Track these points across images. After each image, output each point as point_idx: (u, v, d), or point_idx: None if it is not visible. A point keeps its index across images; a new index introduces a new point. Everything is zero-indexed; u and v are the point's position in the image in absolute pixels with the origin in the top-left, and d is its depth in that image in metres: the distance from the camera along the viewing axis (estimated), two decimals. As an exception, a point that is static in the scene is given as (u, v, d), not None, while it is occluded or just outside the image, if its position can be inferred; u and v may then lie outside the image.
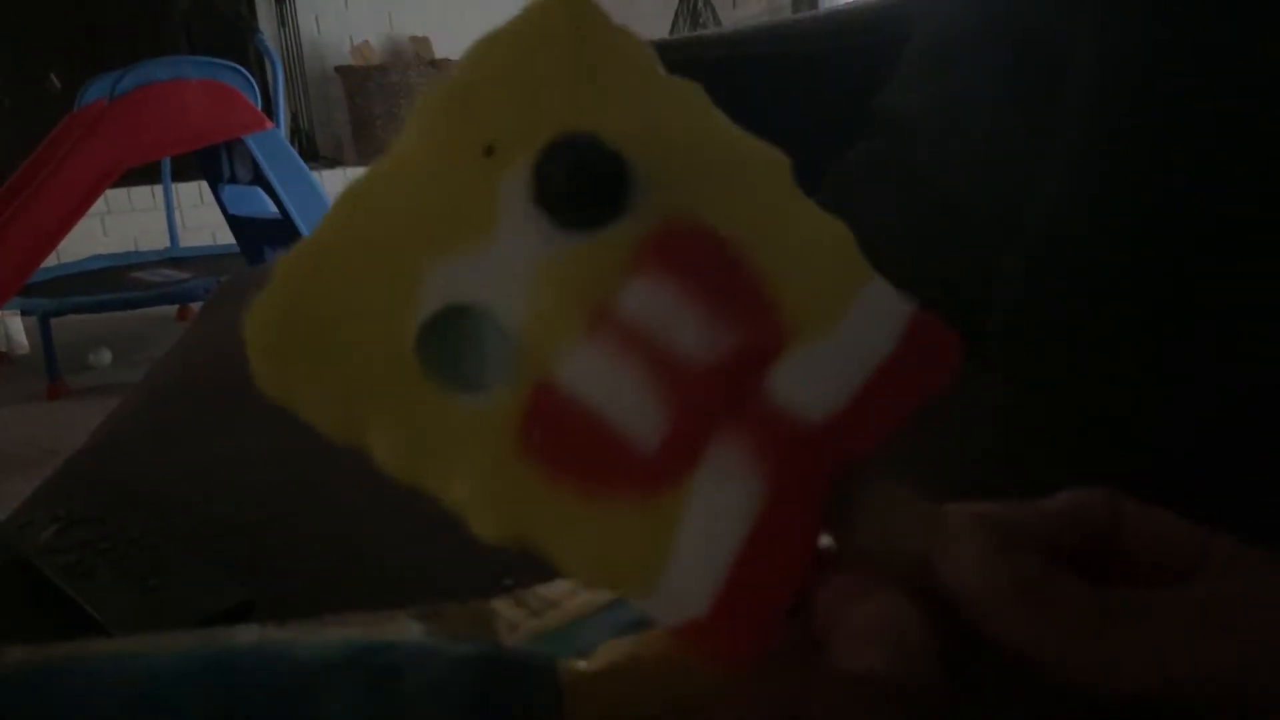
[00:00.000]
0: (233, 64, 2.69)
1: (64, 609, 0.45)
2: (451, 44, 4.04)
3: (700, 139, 0.28)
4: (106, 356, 2.89)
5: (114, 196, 3.65)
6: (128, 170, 2.54)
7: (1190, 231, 0.45)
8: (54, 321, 2.66)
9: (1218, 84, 0.45)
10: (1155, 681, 0.22)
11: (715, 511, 0.26)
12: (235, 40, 3.61)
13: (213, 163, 2.86)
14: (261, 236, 2.85)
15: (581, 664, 0.28)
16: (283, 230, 2.69)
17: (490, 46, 0.28)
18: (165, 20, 3.81)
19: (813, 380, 0.27)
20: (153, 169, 3.26)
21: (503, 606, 0.31)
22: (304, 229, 2.61)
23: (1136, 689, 0.22)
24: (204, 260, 3.23)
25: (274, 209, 2.69)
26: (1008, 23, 0.58)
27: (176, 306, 3.24)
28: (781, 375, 0.26)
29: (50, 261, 2.82)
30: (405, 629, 0.29)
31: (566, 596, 0.31)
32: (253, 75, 2.74)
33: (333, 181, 3.76)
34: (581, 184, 0.26)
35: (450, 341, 0.26)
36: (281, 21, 4.00)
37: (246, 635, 0.27)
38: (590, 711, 0.27)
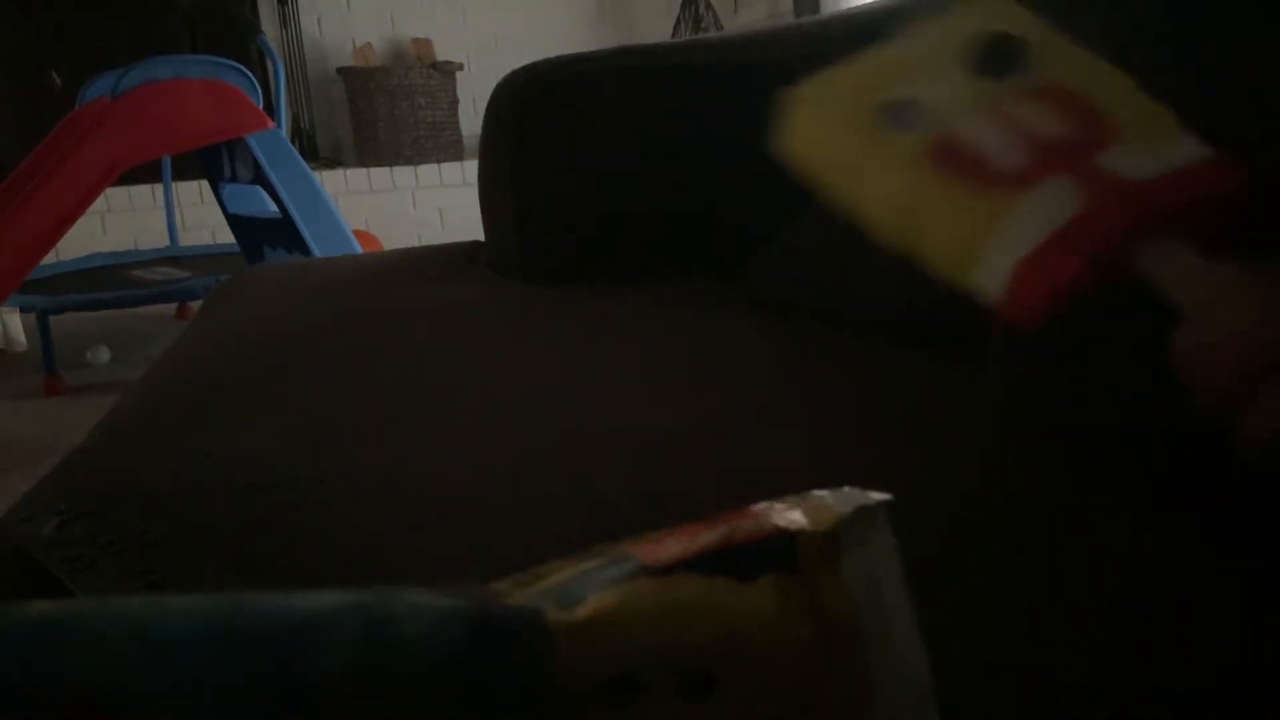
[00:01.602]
0: (235, 64, 2.69)
1: (65, 602, 0.45)
2: (453, 46, 4.04)
3: (1060, 41, 0.46)
4: (105, 354, 2.89)
5: (114, 195, 3.65)
6: (128, 168, 2.54)
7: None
8: (53, 319, 2.66)
9: (1219, 90, 0.46)
10: None
11: (1044, 205, 0.39)
12: (238, 40, 3.61)
13: (214, 162, 2.86)
14: (261, 236, 2.85)
15: (569, 613, 0.28)
16: (283, 230, 2.69)
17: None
18: (168, 19, 3.81)
19: (1132, 161, 0.40)
20: (153, 167, 3.26)
21: (496, 585, 0.32)
22: (304, 229, 2.61)
23: None
24: (203, 259, 3.23)
25: (274, 208, 2.69)
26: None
27: (175, 305, 3.23)
28: (1109, 156, 0.40)
29: (50, 259, 2.82)
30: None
31: (556, 570, 0.31)
32: (255, 75, 2.74)
33: (333, 181, 3.76)
34: (997, 58, 0.45)
35: (899, 112, 0.43)
36: (284, 22, 4.00)
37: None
38: (577, 656, 0.28)
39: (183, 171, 3.46)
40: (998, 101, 0.43)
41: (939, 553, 0.48)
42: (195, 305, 2.98)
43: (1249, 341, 0.34)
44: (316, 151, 4.05)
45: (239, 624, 0.26)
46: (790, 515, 0.31)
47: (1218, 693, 0.38)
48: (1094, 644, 0.40)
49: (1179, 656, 0.40)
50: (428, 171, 3.93)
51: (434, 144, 3.92)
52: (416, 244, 2.14)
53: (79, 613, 0.26)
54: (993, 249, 0.38)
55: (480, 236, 1.22)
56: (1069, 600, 0.43)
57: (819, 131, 0.45)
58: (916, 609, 0.31)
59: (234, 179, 2.83)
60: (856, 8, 1.10)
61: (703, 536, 0.31)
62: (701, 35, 3.75)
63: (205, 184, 3.18)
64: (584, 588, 0.30)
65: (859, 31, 0.98)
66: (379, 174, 3.90)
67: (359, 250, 2.69)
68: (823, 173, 0.44)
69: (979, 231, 0.39)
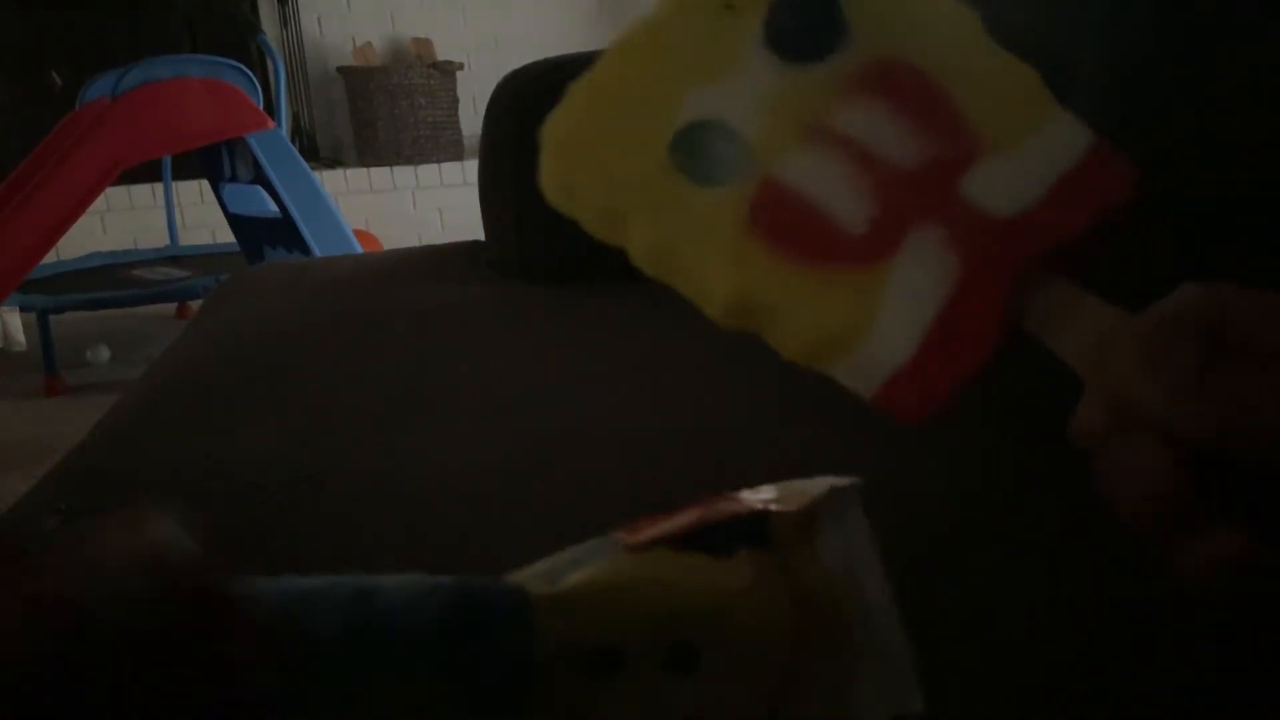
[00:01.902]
0: (236, 63, 2.69)
1: (65, 602, 0.45)
2: (453, 46, 4.04)
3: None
4: (105, 354, 2.89)
5: (114, 194, 3.64)
6: (129, 168, 2.54)
7: (1193, 236, 0.45)
8: (52, 318, 2.66)
9: (1219, 93, 0.45)
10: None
11: (914, 284, 0.30)
12: (238, 40, 3.61)
13: (214, 161, 2.86)
14: (261, 235, 2.85)
15: (551, 586, 0.30)
16: (283, 229, 2.69)
17: None
18: (168, 19, 3.81)
19: (1002, 184, 0.31)
20: (153, 167, 3.26)
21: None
22: (304, 228, 2.61)
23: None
24: (203, 258, 3.23)
25: (274, 208, 2.69)
26: (1010, 33, 0.58)
27: (175, 304, 3.23)
28: (974, 179, 0.31)
29: (50, 258, 2.82)
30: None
31: (545, 561, 0.32)
32: (255, 75, 2.74)
33: (333, 181, 3.76)
34: (807, 26, 0.33)
35: (696, 149, 0.32)
36: (284, 22, 4.00)
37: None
38: (560, 628, 0.29)
39: (183, 171, 3.46)
40: (822, 106, 0.32)
41: (938, 552, 0.48)
42: (195, 305, 2.98)
43: (1156, 435, 0.26)
44: (316, 151, 4.05)
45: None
46: (764, 496, 0.33)
47: (1218, 693, 0.38)
48: (1094, 644, 0.40)
49: (1179, 656, 0.40)
50: (428, 171, 3.93)
51: (434, 144, 3.92)
52: (416, 244, 2.14)
53: None
54: (862, 348, 0.30)
55: (480, 236, 1.22)
56: (1068, 600, 0.43)
57: (592, 187, 0.33)
58: (904, 606, 0.32)
59: (234, 178, 2.83)
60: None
61: (680, 517, 0.32)
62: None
63: (205, 183, 3.18)
64: (567, 567, 0.31)
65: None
66: (379, 174, 3.90)
67: (359, 250, 2.69)
68: (613, 237, 0.33)
69: (838, 325, 0.30)
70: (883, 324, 0.30)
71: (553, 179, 0.33)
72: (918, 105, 0.32)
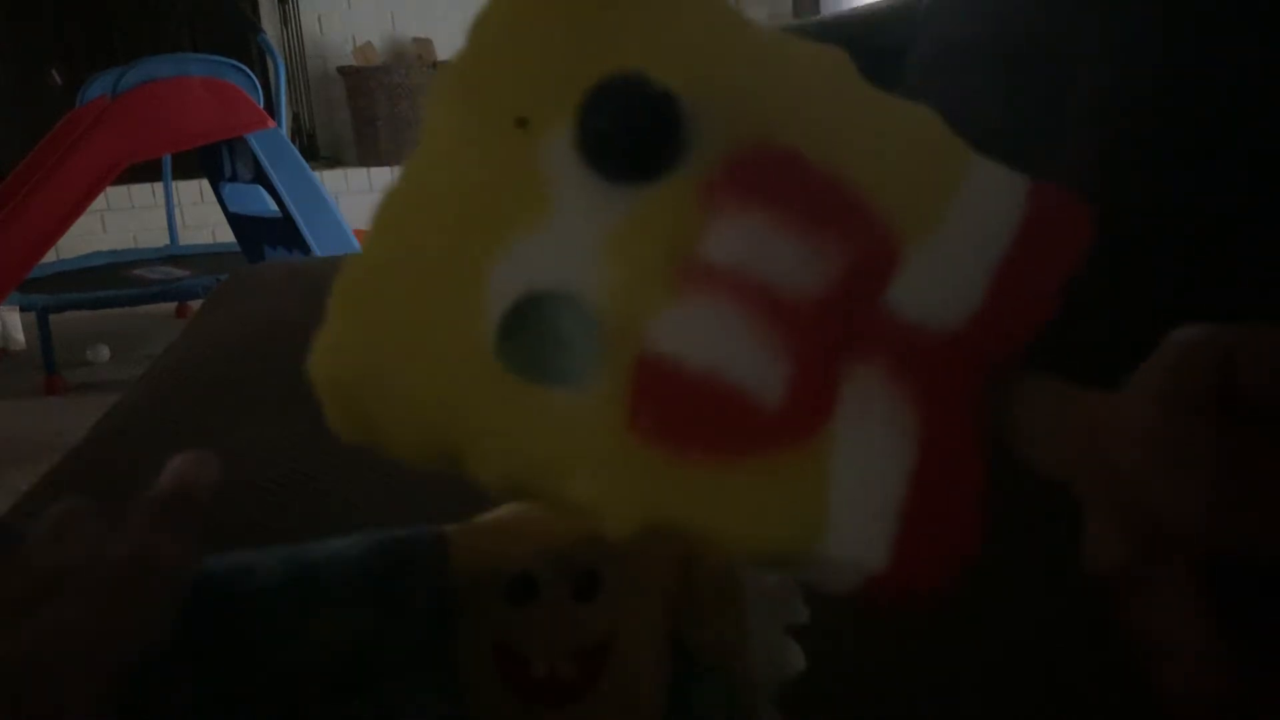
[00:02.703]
0: (236, 62, 2.69)
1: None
2: (454, 46, 4.02)
3: (746, 55, 0.25)
4: (104, 353, 2.89)
5: (114, 193, 3.65)
6: (129, 167, 2.54)
7: (1195, 240, 0.45)
8: (52, 317, 2.66)
9: (1223, 93, 0.45)
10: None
11: (867, 453, 0.23)
12: (238, 39, 3.61)
13: (214, 160, 2.86)
14: (262, 235, 2.85)
15: (464, 529, 0.32)
16: (283, 229, 2.69)
17: (497, 9, 0.26)
18: (168, 18, 3.81)
19: (937, 284, 0.24)
20: (153, 166, 3.26)
21: None
22: (304, 228, 2.61)
23: None
24: (203, 258, 3.23)
25: (274, 207, 2.69)
26: (1012, 33, 0.58)
27: (175, 304, 3.24)
28: (902, 287, 0.24)
29: (49, 257, 2.82)
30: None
31: None
32: (255, 74, 2.74)
33: (334, 181, 3.76)
34: (633, 129, 0.23)
35: (531, 336, 0.23)
36: (284, 21, 4.00)
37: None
38: (476, 560, 0.31)
39: (183, 170, 3.46)
40: (681, 233, 0.23)
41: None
42: (195, 304, 2.98)
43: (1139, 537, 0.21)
44: (317, 150, 4.05)
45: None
46: None
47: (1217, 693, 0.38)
48: (1092, 644, 0.41)
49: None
50: (428, 171, 3.93)
51: (434, 143, 3.92)
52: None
53: None
54: (823, 553, 0.22)
55: (480, 236, 1.22)
56: (1067, 601, 0.44)
57: (400, 425, 0.24)
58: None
59: (234, 178, 2.83)
60: (856, 9, 1.10)
61: None
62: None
63: (205, 183, 3.18)
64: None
65: (860, 35, 0.98)
66: (379, 173, 3.90)
67: (359, 249, 2.68)
68: (455, 470, 0.24)
69: (784, 535, 0.22)
70: (840, 521, 0.22)
71: (344, 426, 0.25)
72: (804, 202, 0.24)
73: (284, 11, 4.00)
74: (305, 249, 2.63)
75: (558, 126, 0.24)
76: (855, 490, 0.23)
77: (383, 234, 0.25)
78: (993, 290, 0.24)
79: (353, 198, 3.80)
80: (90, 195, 2.51)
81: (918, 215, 0.24)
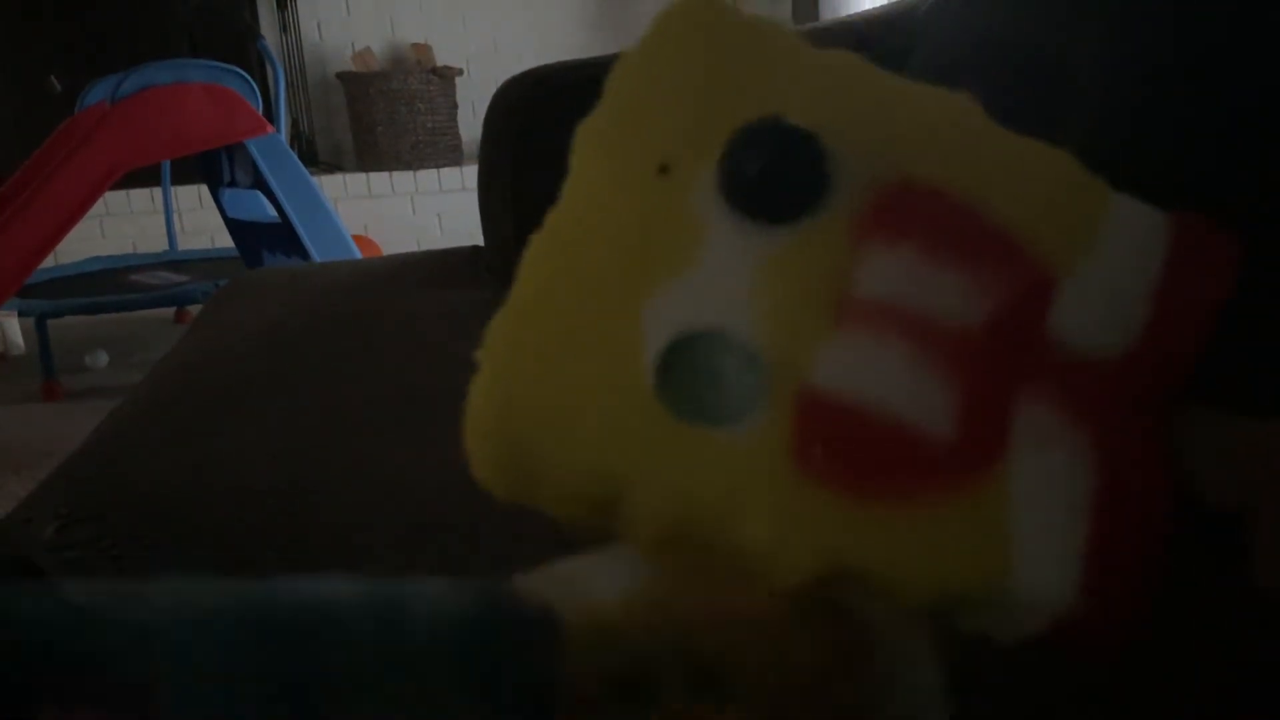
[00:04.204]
0: (235, 68, 2.69)
1: (64, 607, 0.45)
2: (453, 51, 4.05)
3: (877, 98, 0.25)
4: (103, 358, 2.89)
5: (113, 199, 3.65)
6: (128, 172, 2.54)
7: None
8: (51, 323, 2.66)
9: (1222, 100, 0.45)
10: None
11: (1047, 486, 0.22)
12: (237, 45, 3.62)
13: (213, 166, 2.86)
14: (260, 240, 2.85)
15: (580, 612, 0.27)
16: (282, 234, 2.69)
17: (631, 64, 0.26)
18: (168, 24, 3.81)
19: (1096, 312, 0.23)
20: (152, 171, 3.26)
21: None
22: (303, 234, 2.61)
23: None
24: (202, 263, 3.22)
25: (273, 213, 2.69)
26: (1011, 41, 0.58)
27: (174, 309, 3.23)
28: (1063, 315, 0.23)
29: (48, 263, 2.82)
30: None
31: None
32: (254, 80, 2.74)
33: (333, 186, 3.76)
34: (779, 170, 0.24)
35: (689, 376, 0.23)
36: (284, 27, 4.00)
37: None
38: (591, 653, 0.27)
39: (182, 176, 3.46)
40: (833, 270, 0.23)
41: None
42: (194, 310, 2.97)
43: None
44: (316, 156, 4.05)
45: (267, 612, 0.27)
46: None
47: (1216, 694, 0.38)
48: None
49: (1178, 657, 0.40)
50: (427, 176, 3.93)
51: (433, 149, 3.92)
52: (415, 249, 2.14)
53: (122, 596, 0.26)
54: (1004, 596, 0.21)
55: (480, 242, 1.22)
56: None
57: (557, 473, 0.24)
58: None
59: (233, 183, 2.83)
60: (856, 14, 1.10)
61: None
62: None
63: (204, 188, 3.18)
64: (587, 576, 0.28)
65: (859, 37, 0.98)
66: (378, 179, 3.90)
67: (358, 255, 2.69)
68: (604, 523, 0.24)
69: (961, 577, 0.21)
70: (1024, 561, 0.21)
71: (499, 472, 0.25)
72: (954, 235, 0.23)
73: (283, 18, 4.00)
74: (304, 255, 2.63)
75: (700, 172, 0.24)
76: (1038, 525, 0.22)
77: (532, 283, 0.25)
78: (1151, 318, 0.23)
79: (352, 203, 3.80)
80: (89, 201, 2.51)
81: (1066, 247, 0.24)
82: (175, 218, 3.49)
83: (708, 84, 0.25)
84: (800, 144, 0.24)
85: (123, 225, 3.79)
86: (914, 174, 0.24)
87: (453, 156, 3.95)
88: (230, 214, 2.92)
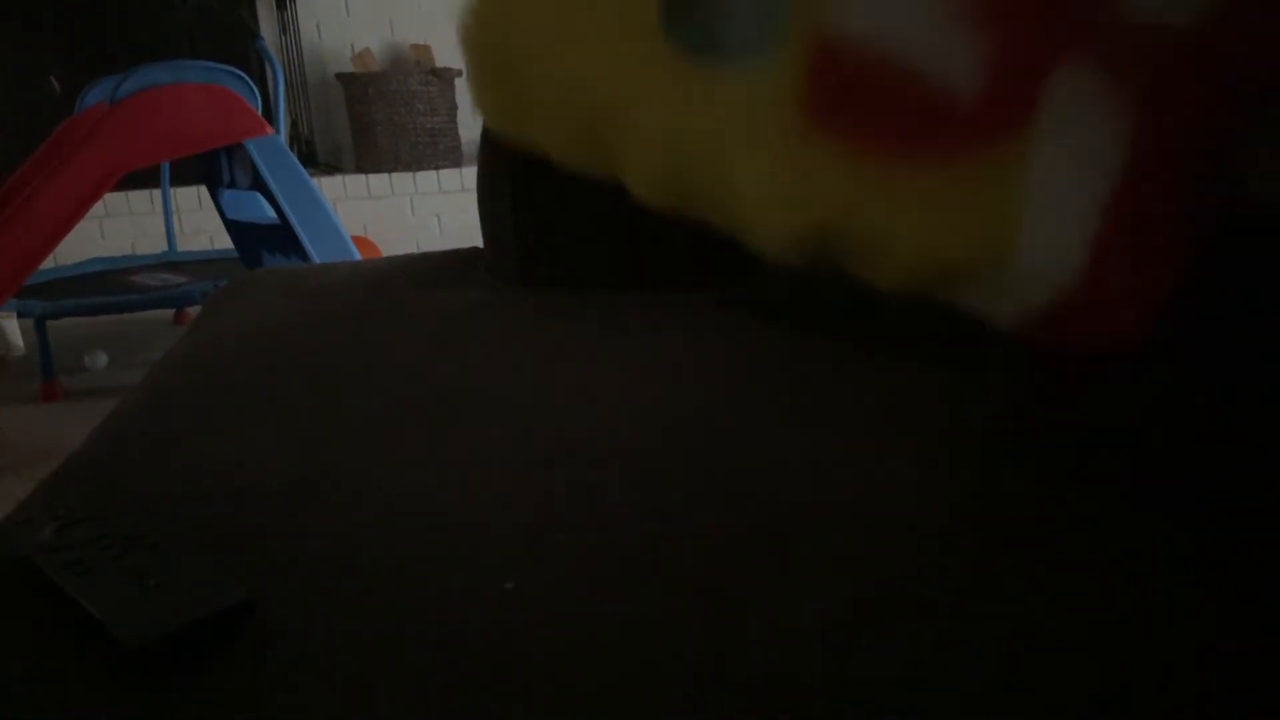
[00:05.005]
0: (235, 69, 2.69)
1: (63, 607, 0.45)
2: (452, 52, 4.04)
3: None
4: (102, 359, 2.89)
5: (112, 200, 3.65)
6: (127, 174, 2.54)
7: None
8: (50, 324, 2.66)
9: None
10: None
11: (1071, 158, 0.17)
12: (237, 46, 3.62)
13: (212, 167, 2.86)
14: (259, 241, 2.85)
15: None
16: (281, 235, 2.69)
17: None
18: (167, 25, 3.81)
19: None
20: (152, 173, 3.26)
21: None
22: (303, 235, 2.61)
23: None
24: (201, 264, 3.23)
25: (272, 214, 2.69)
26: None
27: (173, 310, 3.23)
28: None
29: (47, 264, 2.82)
30: None
31: None
32: (254, 81, 2.74)
33: (332, 187, 3.76)
34: None
35: (701, 10, 0.16)
36: (283, 28, 4.00)
37: None
38: None
39: (181, 177, 3.46)
40: None
41: (934, 559, 0.48)
42: (193, 310, 2.97)
43: None
44: (315, 157, 4.05)
45: None
46: None
47: (1215, 695, 0.38)
48: (1089, 649, 0.41)
49: (1176, 658, 0.40)
50: (426, 178, 3.93)
51: (433, 150, 3.92)
52: (415, 250, 2.13)
53: None
54: (1003, 268, 0.18)
55: (479, 243, 1.22)
56: (1064, 604, 0.44)
57: (553, 102, 0.16)
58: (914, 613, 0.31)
59: (232, 184, 2.83)
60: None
61: None
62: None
63: (204, 189, 3.18)
64: None
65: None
66: (377, 180, 3.90)
67: (357, 256, 2.69)
68: (596, 165, 0.17)
69: (962, 243, 0.18)
70: (1029, 234, 0.17)
71: (492, 92, 0.20)
72: None
73: (282, 18, 4.00)
74: (303, 255, 2.63)
75: None
76: (1051, 200, 0.17)
77: None
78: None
79: (351, 204, 3.80)
80: (89, 202, 2.51)
81: None
82: (174, 219, 3.50)
83: None
84: None
85: (122, 226, 3.79)
86: None
87: (452, 157, 3.95)
88: (229, 215, 2.93)
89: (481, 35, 0.18)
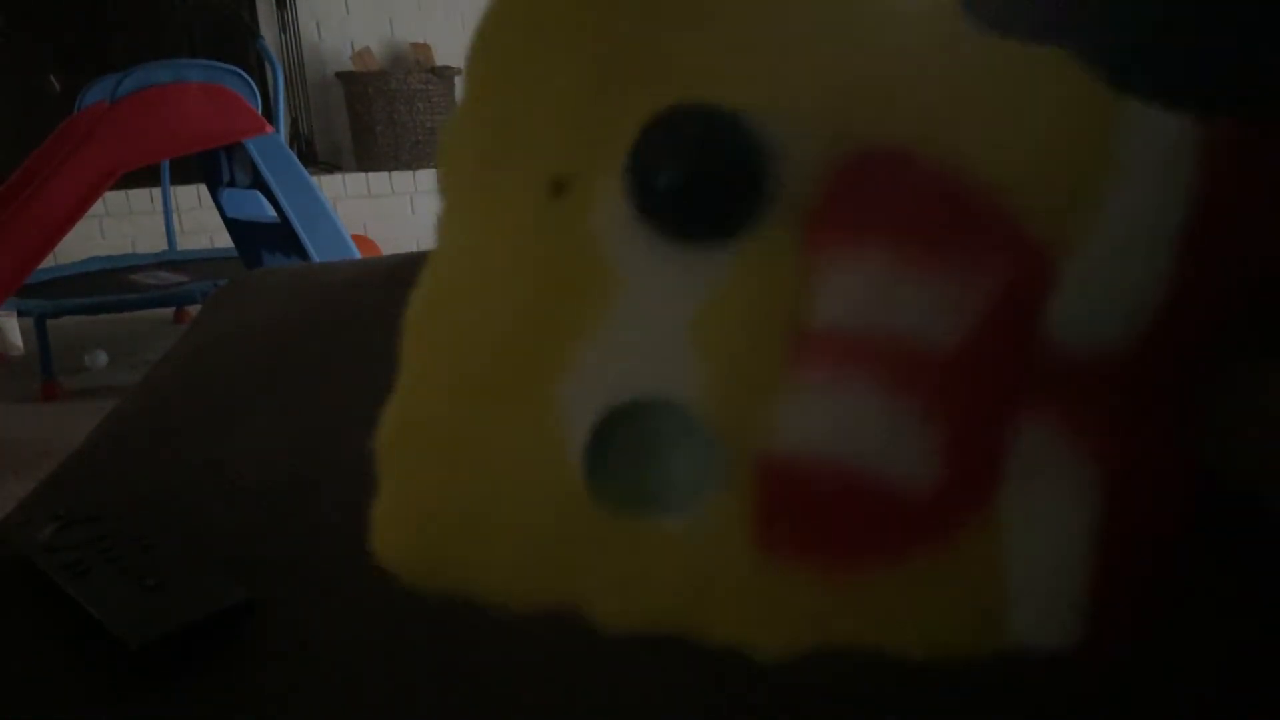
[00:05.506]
0: (234, 68, 2.69)
1: (63, 607, 0.45)
2: (452, 51, 4.04)
3: (824, 30, 0.18)
4: (102, 359, 2.89)
5: (112, 199, 3.65)
6: (127, 172, 2.54)
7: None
8: (50, 323, 2.66)
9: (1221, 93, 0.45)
10: None
11: (1045, 521, 0.18)
12: (237, 44, 3.61)
13: (212, 166, 2.86)
14: (259, 240, 2.85)
15: None
16: (281, 234, 2.69)
17: (493, 39, 0.19)
18: (167, 23, 3.81)
19: (1105, 293, 0.17)
20: (152, 171, 3.26)
21: None
22: (303, 233, 2.61)
23: None
24: (201, 263, 3.23)
25: (272, 213, 2.69)
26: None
27: (173, 309, 3.23)
28: (1062, 307, 0.17)
29: (47, 263, 2.82)
30: None
31: None
32: (253, 80, 2.74)
33: (332, 186, 3.76)
34: (701, 173, 0.18)
35: (626, 460, 0.18)
36: (283, 27, 4.00)
37: None
38: None
39: (181, 175, 3.46)
40: (783, 294, 0.17)
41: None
42: (193, 309, 2.97)
43: None
44: (315, 156, 4.05)
45: None
46: None
47: (1213, 695, 0.38)
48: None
49: (1176, 658, 0.40)
50: (426, 176, 3.93)
51: (433, 149, 3.91)
52: (415, 249, 2.14)
53: None
54: (1007, 637, 0.19)
55: (479, 241, 1.22)
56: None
57: (485, 568, 0.20)
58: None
59: (232, 183, 2.83)
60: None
61: None
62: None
63: (203, 188, 3.18)
64: None
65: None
66: (378, 179, 3.90)
67: (357, 255, 2.69)
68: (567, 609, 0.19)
69: (954, 631, 0.18)
70: (1024, 604, 0.18)
71: (430, 587, 0.19)
72: (927, 221, 0.17)
73: (282, 17, 4.00)
74: (303, 255, 2.63)
75: (603, 185, 0.18)
76: (1036, 566, 0.18)
77: (419, 368, 0.19)
78: (1176, 278, 0.17)
79: (351, 203, 3.80)
80: (88, 201, 2.51)
81: (1067, 202, 0.18)
82: (174, 217, 3.50)
83: (597, 58, 0.18)
84: (725, 132, 0.17)
85: (122, 225, 3.79)
86: (875, 136, 0.18)
87: (452, 156, 3.96)
88: (229, 214, 2.93)
89: (402, 547, 0.17)
